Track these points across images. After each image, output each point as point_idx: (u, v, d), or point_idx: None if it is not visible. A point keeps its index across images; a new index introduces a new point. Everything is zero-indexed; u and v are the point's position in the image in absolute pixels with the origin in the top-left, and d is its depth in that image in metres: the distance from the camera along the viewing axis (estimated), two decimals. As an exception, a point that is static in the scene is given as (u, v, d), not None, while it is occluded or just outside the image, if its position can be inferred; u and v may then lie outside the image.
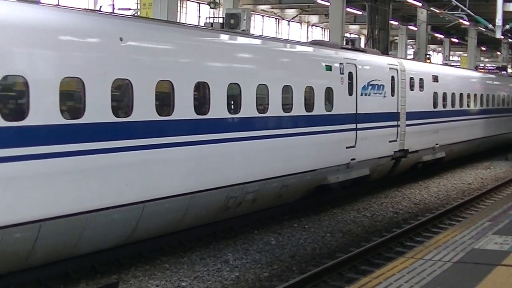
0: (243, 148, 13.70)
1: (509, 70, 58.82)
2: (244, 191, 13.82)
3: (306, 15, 60.51)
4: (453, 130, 25.22)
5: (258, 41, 16.22)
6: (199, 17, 48.77)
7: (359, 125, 18.02)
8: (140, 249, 12.43)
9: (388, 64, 20.42)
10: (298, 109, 15.43)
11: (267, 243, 14.04)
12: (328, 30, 38.96)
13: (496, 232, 11.47)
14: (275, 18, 58.92)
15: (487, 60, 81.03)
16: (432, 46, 71.24)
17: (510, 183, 23.60)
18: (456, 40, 62.59)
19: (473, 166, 28.80)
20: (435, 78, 23.67)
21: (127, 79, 11.08)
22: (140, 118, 11.29)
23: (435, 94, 23.59)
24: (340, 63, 17.39)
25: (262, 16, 57.27)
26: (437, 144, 23.61)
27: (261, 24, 57.31)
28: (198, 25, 24.83)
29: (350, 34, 58.79)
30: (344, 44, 25.16)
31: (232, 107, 13.41)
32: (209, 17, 39.21)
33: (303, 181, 15.96)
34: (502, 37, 34.80)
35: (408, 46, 58.91)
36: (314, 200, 17.65)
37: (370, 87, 18.79)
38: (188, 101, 12.26)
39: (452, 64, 53.07)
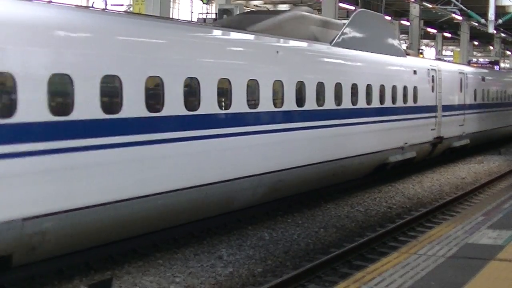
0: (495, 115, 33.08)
1: (501, 65, 58.86)
2: (481, 134, 30.51)
3: (299, 11, 60.47)
4: None
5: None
6: (192, 12, 48.71)
7: None
8: (134, 246, 12.42)
9: None
10: None
11: (261, 238, 14.04)
12: (321, 25, 38.86)
13: (489, 226, 11.49)
14: (268, 14, 58.90)
15: (479, 54, 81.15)
16: (424, 41, 71.33)
17: (504, 177, 23.67)
18: (449, 35, 62.67)
19: (466, 160, 28.86)
20: None
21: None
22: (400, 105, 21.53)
23: None
24: None
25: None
26: None
27: (254, 20, 57.29)
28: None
29: (343, 29, 58.77)
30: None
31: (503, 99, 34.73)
32: (202, 13, 39.12)
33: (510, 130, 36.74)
34: (495, 31, 34.90)
35: (401, 41, 58.88)
36: (307, 196, 17.69)
37: None
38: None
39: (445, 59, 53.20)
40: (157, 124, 11.56)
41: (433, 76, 24.33)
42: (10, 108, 9.25)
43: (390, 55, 21.44)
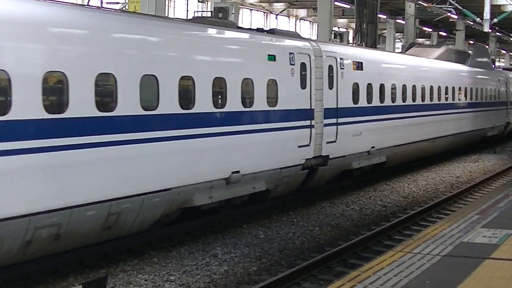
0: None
1: (496, 63, 58.89)
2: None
3: (294, 9, 60.47)
4: None
5: None
6: (187, 11, 48.62)
7: None
8: (129, 244, 12.40)
9: None
10: None
11: (255, 237, 14.04)
12: (316, 24, 38.92)
13: (484, 225, 11.50)
14: (263, 12, 58.87)
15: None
16: (420, 40, 71.29)
17: (498, 176, 23.70)
18: (444, 34, 62.66)
19: (461, 159, 28.90)
20: None
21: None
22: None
23: None
24: None
25: (250, 9, 57.22)
26: None
27: (249, 18, 57.24)
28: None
29: (338, 28, 58.81)
30: (333, 38, 28.74)
31: None
32: (197, 11, 39.05)
33: None
34: (490, 30, 34.88)
35: (396, 40, 58.95)
36: (302, 194, 17.69)
37: None
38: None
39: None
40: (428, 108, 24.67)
41: (505, 82, 36.99)
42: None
43: (487, 69, 34.80)
